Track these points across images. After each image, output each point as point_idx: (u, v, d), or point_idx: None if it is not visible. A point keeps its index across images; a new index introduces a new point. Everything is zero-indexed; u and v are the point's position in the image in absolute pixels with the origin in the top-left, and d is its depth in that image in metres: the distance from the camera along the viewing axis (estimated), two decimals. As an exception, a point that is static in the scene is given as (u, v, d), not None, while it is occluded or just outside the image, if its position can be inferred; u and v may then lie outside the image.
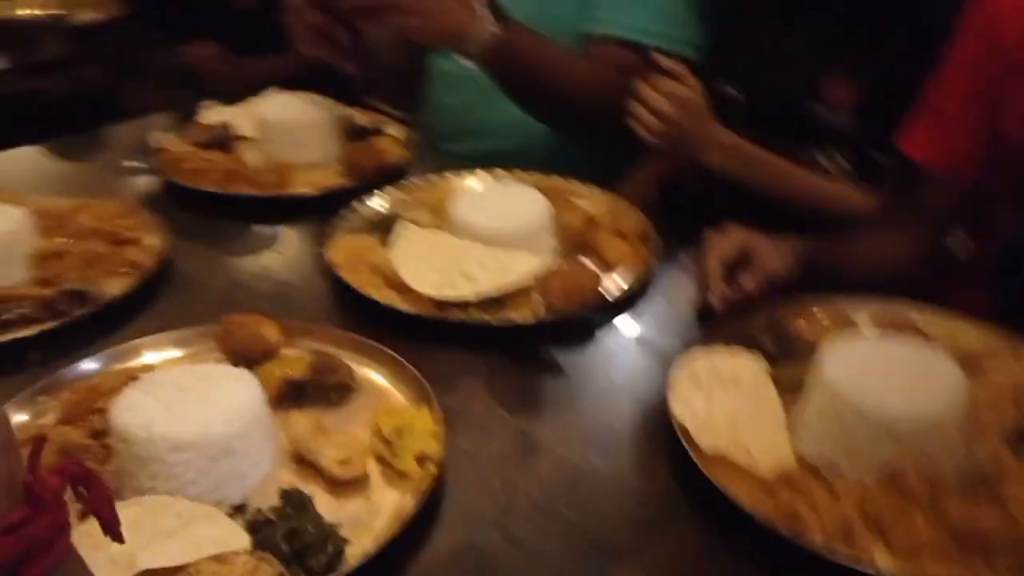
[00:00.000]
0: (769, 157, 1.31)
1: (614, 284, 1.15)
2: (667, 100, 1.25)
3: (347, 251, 1.18)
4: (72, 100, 2.03)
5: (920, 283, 1.20)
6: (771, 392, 0.94)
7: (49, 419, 0.91)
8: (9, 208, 1.20)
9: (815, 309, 1.06)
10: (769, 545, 0.76)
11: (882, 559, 0.75)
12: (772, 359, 0.99)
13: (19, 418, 0.91)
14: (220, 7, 2.22)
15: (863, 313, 1.05)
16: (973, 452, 0.82)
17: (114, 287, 1.14)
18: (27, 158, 1.66)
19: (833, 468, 0.83)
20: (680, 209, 1.56)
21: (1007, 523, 0.76)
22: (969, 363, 0.90)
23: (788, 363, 0.98)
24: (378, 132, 1.58)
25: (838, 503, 0.78)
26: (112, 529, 0.47)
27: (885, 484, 0.79)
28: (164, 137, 1.53)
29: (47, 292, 1.10)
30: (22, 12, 2.14)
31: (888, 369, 0.85)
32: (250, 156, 1.49)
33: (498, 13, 1.34)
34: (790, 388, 0.94)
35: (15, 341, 1.05)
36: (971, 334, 1.00)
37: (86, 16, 2.28)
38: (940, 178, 1.19)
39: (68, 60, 2.07)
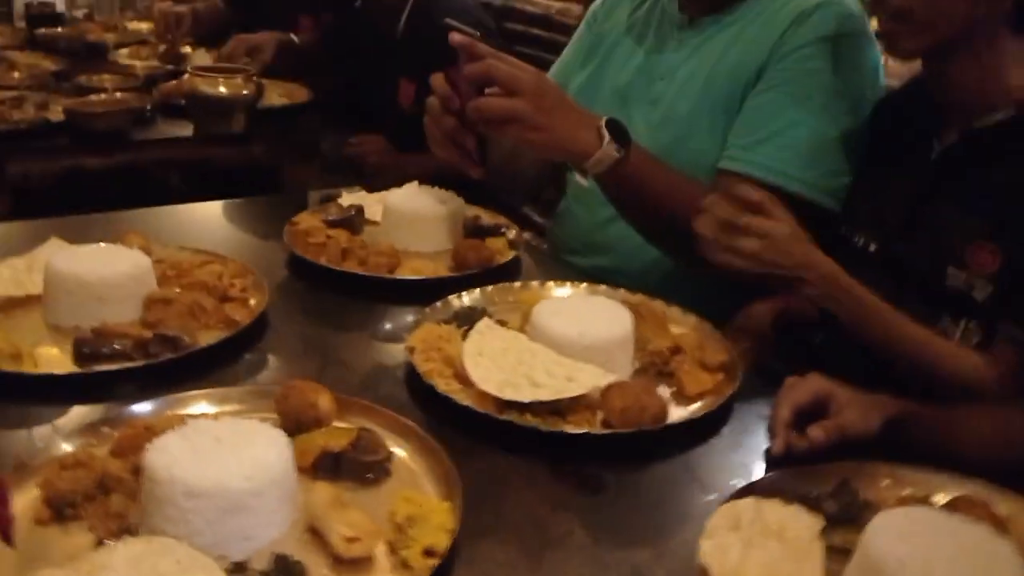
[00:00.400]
0: (873, 298, 1.22)
1: (684, 413, 1.11)
2: (748, 234, 1.19)
3: (426, 338, 1.20)
4: (241, 171, 2.20)
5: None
6: (817, 554, 0.86)
7: (104, 449, 0.97)
8: (137, 254, 1.30)
9: (887, 480, 0.97)
10: None
11: None
12: (831, 521, 0.91)
13: (76, 443, 0.97)
14: (388, 105, 2.37)
15: (943, 491, 0.95)
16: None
17: (207, 338, 1.20)
18: (182, 214, 1.81)
19: (860, 649, 0.75)
20: (793, 350, 1.49)
21: None
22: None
23: (847, 528, 0.90)
24: (497, 233, 1.61)
25: None
26: (4, 532, 0.48)
27: (913, 678, 0.70)
28: (301, 212, 1.63)
29: (146, 334, 1.18)
30: (223, 90, 2.36)
31: (940, 550, 0.76)
32: (371, 239, 1.56)
33: (621, 135, 1.34)
34: (842, 553, 0.86)
35: (109, 372, 1.13)
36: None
37: (273, 100, 2.49)
38: None
39: (245, 135, 2.25)
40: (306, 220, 1.59)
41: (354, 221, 1.61)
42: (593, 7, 1.87)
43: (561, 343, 1.15)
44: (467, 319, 1.25)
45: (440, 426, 1.05)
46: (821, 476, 0.97)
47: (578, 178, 1.38)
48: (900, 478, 0.98)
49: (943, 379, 1.19)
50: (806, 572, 0.84)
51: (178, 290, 1.30)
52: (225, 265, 1.39)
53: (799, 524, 0.89)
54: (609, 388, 1.08)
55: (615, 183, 1.37)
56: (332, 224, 1.58)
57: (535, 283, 1.42)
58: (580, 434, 1.04)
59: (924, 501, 0.94)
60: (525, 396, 1.06)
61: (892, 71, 1.62)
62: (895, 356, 1.20)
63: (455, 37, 1.26)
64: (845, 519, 0.91)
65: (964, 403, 1.16)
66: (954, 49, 1.24)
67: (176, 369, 1.15)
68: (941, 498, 0.95)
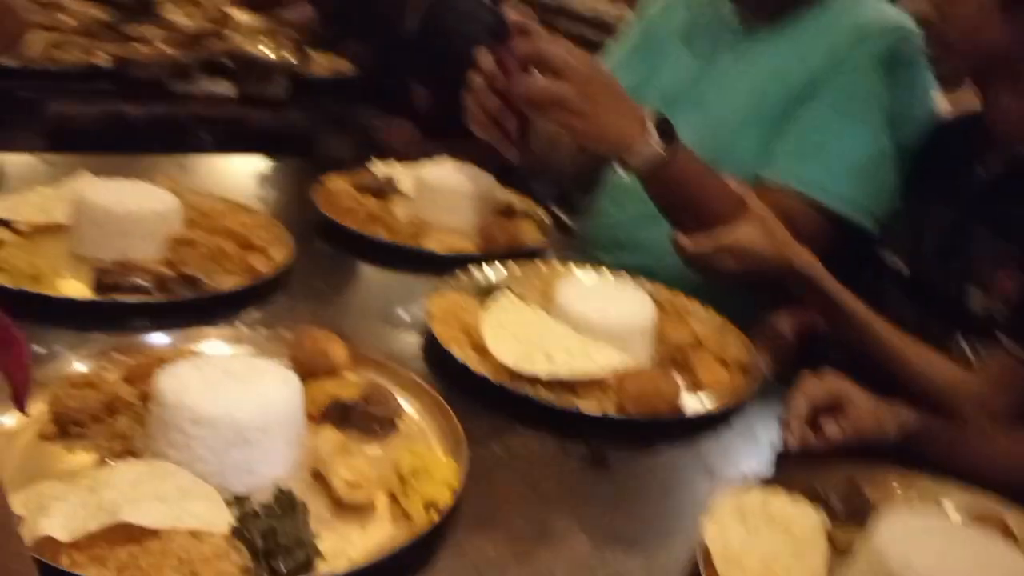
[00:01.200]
0: (850, 296, 1.22)
1: (698, 403, 1.10)
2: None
3: (445, 306, 1.19)
4: (277, 136, 2.20)
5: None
6: (821, 549, 0.85)
7: (115, 374, 0.96)
8: (166, 195, 1.30)
9: (897, 484, 0.96)
10: None
11: None
12: (836, 518, 0.90)
13: (88, 365, 0.97)
14: (403, 103, 2.35)
15: (953, 500, 0.93)
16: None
17: (226, 283, 1.20)
18: (218, 164, 1.82)
19: (858, 644, 0.73)
20: (815, 363, 1.47)
21: None
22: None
23: (852, 527, 0.89)
24: (526, 216, 1.60)
25: None
26: (19, 396, 0.47)
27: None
28: (331, 175, 1.62)
29: (166, 271, 1.18)
30: (266, 52, 2.36)
31: (947, 551, 0.75)
32: (400, 209, 1.55)
33: (668, 133, 1.31)
34: (845, 551, 0.85)
35: (126, 304, 1.13)
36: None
37: (315, 69, 2.50)
38: None
39: (285, 100, 2.26)
40: (336, 183, 1.58)
41: (384, 189, 1.61)
42: (647, 6, 1.85)
43: (581, 323, 1.14)
44: (488, 292, 1.24)
45: (452, 394, 1.04)
46: (830, 475, 0.95)
47: (619, 171, 1.35)
48: (910, 483, 0.96)
49: (918, 384, 1.17)
50: (808, 567, 0.82)
51: (202, 233, 1.29)
52: (252, 216, 1.39)
53: (805, 519, 0.88)
54: (625, 373, 1.07)
55: (658, 183, 1.34)
56: (362, 190, 1.58)
57: (558, 264, 1.40)
58: (595, 416, 1.03)
59: (935, 506, 0.93)
60: (541, 371, 1.05)
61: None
62: (869, 357, 1.20)
63: (511, 13, 1.24)
64: (852, 519, 0.90)
65: (980, 427, 1.14)
66: (996, 77, 1.22)
67: (193, 309, 1.14)
68: (950, 506, 0.93)
